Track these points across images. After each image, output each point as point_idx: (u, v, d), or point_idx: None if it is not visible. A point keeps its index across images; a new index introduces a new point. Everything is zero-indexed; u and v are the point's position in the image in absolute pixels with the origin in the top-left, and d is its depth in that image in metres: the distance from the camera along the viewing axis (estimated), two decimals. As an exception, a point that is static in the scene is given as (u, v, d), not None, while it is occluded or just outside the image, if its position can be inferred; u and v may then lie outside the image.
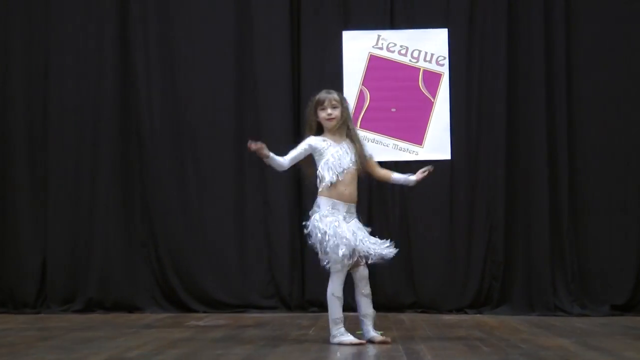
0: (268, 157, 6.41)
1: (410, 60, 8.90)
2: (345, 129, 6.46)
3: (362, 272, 6.39)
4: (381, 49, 8.92)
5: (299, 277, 8.95)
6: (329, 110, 6.40)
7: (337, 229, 6.25)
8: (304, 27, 9.07)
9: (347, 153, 6.39)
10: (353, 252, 6.24)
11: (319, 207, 6.39)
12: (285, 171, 8.85)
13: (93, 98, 9.12)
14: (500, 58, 8.87)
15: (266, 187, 8.99)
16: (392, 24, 8.99)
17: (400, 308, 8.77)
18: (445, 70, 8.90)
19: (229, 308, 8.85)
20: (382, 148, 8.74)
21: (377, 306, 8.73)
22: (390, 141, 8.78)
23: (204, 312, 8.80)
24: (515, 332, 7.16)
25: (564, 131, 8.80)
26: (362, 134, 8.80)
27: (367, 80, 8.87)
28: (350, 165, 6.38)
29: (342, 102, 6.47)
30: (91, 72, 9.15)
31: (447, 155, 8.83)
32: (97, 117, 9.10)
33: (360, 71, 8.90)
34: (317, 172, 6.45)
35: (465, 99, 8.91)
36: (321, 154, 6.42)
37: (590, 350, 6.02)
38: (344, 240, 6.21)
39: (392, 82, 8.87)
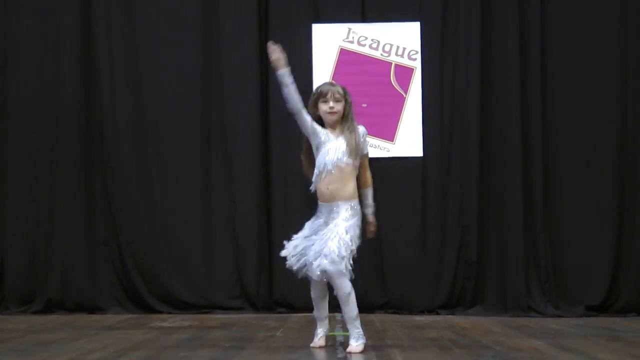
0: (281, 71, 6.10)
1: (381, 55, 8.89)
2: (345, 124, 6.19)
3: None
4: (352, 42, 8.91)
5: (266, 277, 8.91)
6: (331, 104, 6.15)
7: (303, 236, 6.26)
8: (272, 19, 9.01)
9: (339, 149, 6.12)
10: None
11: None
12: (252, 169, 8.91)
13: (54, 95, 9.02)
14: (473, 52, 8.86)
15: (233, 185, 8.94)
16: (364, 17, 8.97)
17: (370, 308, 8.73)
18: (417, 65, 8.90)
19: (194, 309, 8.81)
20: (353, 144, 8.72)
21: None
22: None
23: (168, 312, 8.76)
24: (488, 333, 7.17)
25: (539, 128, 8.82)
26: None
27: (337, 74, 8.84)
28: (340, 161, 6.11)
29: (346, 96, 6.22)
30: (52, 68, 9.05)
31: (419, 152, 8.83)
32: (58, 114, 9.00)
33: (330, 65, 8.88)
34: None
35: (438, 95, 8.90)
36: (317, 147, 6.19)
37: (564, 351, 6.05)
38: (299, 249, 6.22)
39: (363, 77, 8.86)
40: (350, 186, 6.17)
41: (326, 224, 6.15)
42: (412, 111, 8.85)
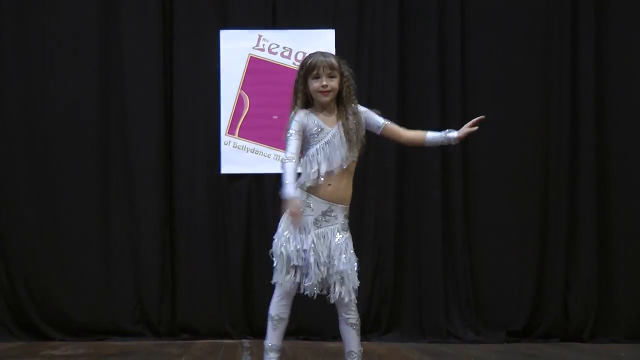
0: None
1: (294, 63, 8.84)
2: (342, 105, 5.49)
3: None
4: (262, 50, 8.87)
5: (169, 300, 8.81)
6: (324, 81, 5.41)
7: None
8: (177, 24, 8.91)
9: (340, 146, 5.48)
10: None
11: None
12: (154, 181, 8.79)
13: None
14: (390, 61, 8.90)
15: (134, 198, 8.83)
16: (275, 23, 8.95)
17: (280, 334, 8.69)
18: (332, 75, 8.89)
19: (90, 335, 8.69)
20: (263, 159, 8.67)
21: (255, 332, 8.73)
22: (272, 151, 8.71)
23: (61, 340, 8.62)
24: (405, 360, 7.17)
25: (459, 143, 8.83)
26: (240, 143, 8.76)
27: (246, 84, 8.80)
28: (343, 161, 5.49)
29: (341, 69, 5.47)
30: None
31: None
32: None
33: (239, 74, 8.82)
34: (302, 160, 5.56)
35: (354, 106, 8.90)
36: (308, 140, 5.52)
37: (485, 380, 6.11)
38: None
39: (274, 87, 8.81)
40: (351, 186, 5.61)
41: (317, 223, 5.56)
42: (326, 124, 8.83)
